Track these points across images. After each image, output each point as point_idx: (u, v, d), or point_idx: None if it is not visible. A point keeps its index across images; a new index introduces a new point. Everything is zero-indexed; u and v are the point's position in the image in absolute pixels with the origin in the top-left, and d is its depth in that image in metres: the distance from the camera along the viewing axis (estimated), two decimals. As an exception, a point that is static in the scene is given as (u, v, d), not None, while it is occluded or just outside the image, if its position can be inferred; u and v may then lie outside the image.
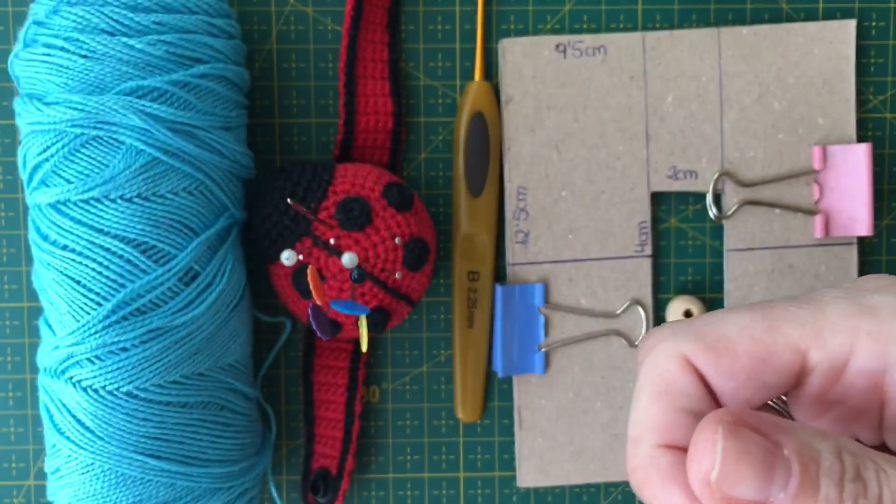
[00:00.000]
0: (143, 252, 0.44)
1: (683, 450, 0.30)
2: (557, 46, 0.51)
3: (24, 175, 0.45)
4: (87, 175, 0.43)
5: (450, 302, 0.53)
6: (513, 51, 0.51)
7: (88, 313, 0.43)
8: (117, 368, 0.43)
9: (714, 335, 0.30)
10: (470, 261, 0.52)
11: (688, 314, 0.52)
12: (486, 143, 0.51)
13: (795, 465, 0.27)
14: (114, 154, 0.43)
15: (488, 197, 0.52)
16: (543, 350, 0.52)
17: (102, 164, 0.43)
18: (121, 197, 0.43)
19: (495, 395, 0.54)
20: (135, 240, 0.43)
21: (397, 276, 0.47)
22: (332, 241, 0.46)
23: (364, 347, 0.47)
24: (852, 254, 0.53)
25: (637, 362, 0.32)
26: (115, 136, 0.43)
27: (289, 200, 0.46)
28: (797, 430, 0.28)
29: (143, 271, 0.43)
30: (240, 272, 0.47)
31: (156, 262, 0.44)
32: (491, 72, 0.52)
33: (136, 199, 0.43)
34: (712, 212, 0.52)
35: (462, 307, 0.52)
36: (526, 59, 0.51)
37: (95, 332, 0.43)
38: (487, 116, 0.51)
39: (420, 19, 0.52)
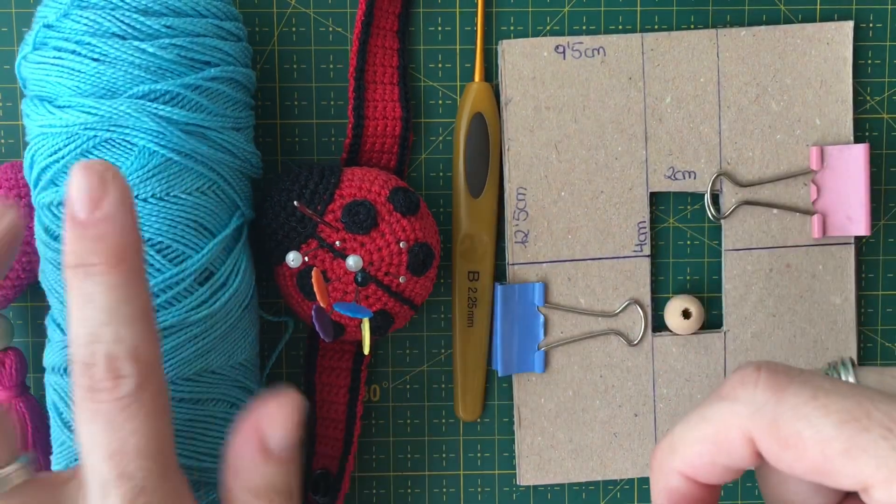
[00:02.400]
0: (159, 251, 0.44)
1: (698, 483, 0.34)
2: (557, 48, 0.52)
3: (30, 176, 0.45)
4: None
5: (450, 301, 0.53)
6: (512, 52, 0.52)
7: None
8: (131, 365, 0.44)
9: (789, 431, 0.31)
10: (470, 261, 0.52)
11: (686, 314, 0.53)
12: (486, 143, 0.51)
13: None
14: (127, 156, 0.43)
15: (488, 197, 0.52)
16: (543, 349, 0.53)
17: (116, 165, 0.43)
18: (136, 197, 0.43)
19: (495, 393, 0.54)
20: (150, 239, 0.44)
21: (401, 280, 0.47)
22: (337, 243, 0.46)
23: (366, 350, 0.47)
24: (850, 254, 0.53)
25: (722, 386, 0.34)
26: (127, 139, 0.43)
27: (295, 203, 0.46)
28: None
29: (158, 270, 0.44)
30: (251, 272, 0.47)
31: (171, 261, 0.44)
32: (491, 73, 0.52)
33: (150, 200, 0.43)
34: (710, 212, 0.53)
35: (462, 307, 0.52)
36: (525, 60, 0.52)
37: None
38: (487, 117, 0.51)
39: (420, 21, 0.52)
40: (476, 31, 0.52)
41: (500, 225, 0.53)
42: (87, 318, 0.36)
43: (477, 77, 0.52)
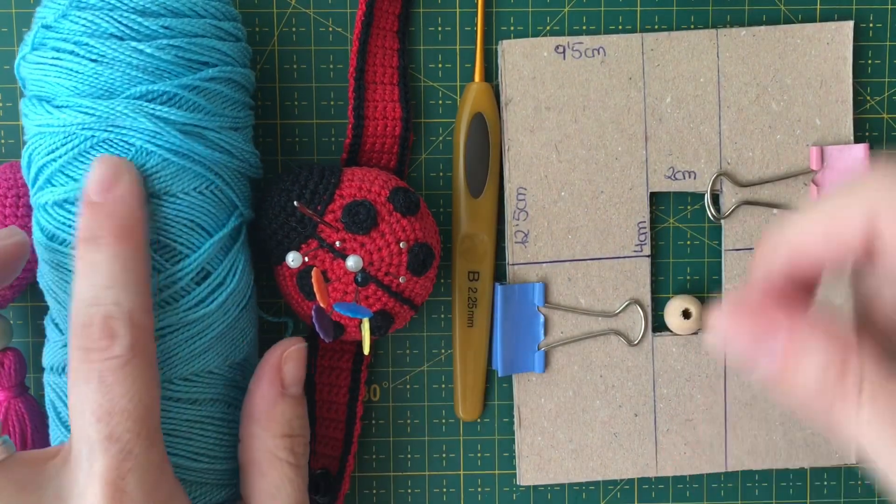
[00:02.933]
0: (156, 251, 0.44)
1: (800, 267, 0.33)
2: (557, 48, 0.52)
3: (28, 175, 0.45)
4: None
5: (450, 302, 0.53)
6: (512, 52, 0.52)
7: None
8: (129, 365, 0.44)
9: None
10: (470, 261, 0.52)
11: (686, 314, 0.53)
12: (486, 143, 0.51)
13: (780, 346, 0.32)
14: (124, 156, 0.43)
15: (488, 197, 0.52)
16: (543, 349, 0.53)
17: None
18: None
19: (495, 393, 0.54)
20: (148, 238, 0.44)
21: (401, 280, 0.47)
22: (337, 243, 0.46)
23: (366, 350, 0.47)
24: (849, 253, 0.53)
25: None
26: (125, 139, 0.43)
27: (295, 203, 0.46)
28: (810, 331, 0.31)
29: (156, 269, 0.44)
30: (249, 272, 0.47)
31: (168, 260, 0.44)
32: (491, 73, 0.52)
33: (149, 199, 0.43)
34: (710, 212, 0.53)
35: (462, 307, 0.52)
36: (525, 60, 0.52)
37: None
38: (487, 117, 0.51)
39: (420, 21, 0.52)
40: (476, 31, 0.52)
41: (500, 225, 0.53)
42: (90, 284, 0.40)
43: (477, 77, 0.52)
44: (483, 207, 0.52)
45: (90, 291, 0.40)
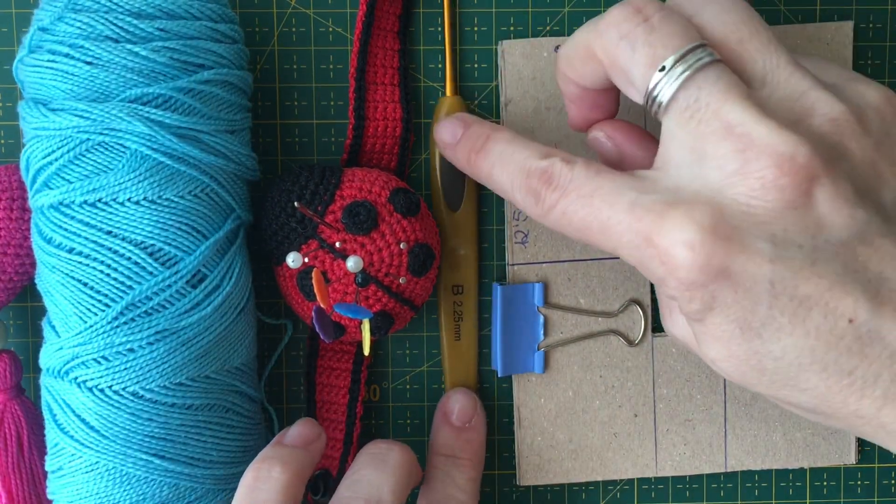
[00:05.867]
0: (151, 255, 0.44)
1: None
2: (557, 48, 0.52)
3: (26, 178, 0.45)
4: (94, 177, 0.43)
5: (450, 302, 0.53)
6: (512, 52, 0.52)
7: (96, 314, 0.44)
8: (124, 369, 0.44)
9: None
10: (454, 274, 0.52)
11: (686, 314, 0.53)
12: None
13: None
14: (119, 158, 0.43)
15: (466, 211, 0.52)
16: (542, 349, 0.53)
17: (108, 168, 0.43)
18: (129, 199, 0.43)
19: (495, 394, 0.54)
20: (142, 242, 0.44)
21: (401, 280, 0.47)
22: (337, 244, 0.46)
23: (366, 351, 0.47)
24: (849, 254, 0.53)
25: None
26: (120, 142, 0.43)
27: (295, 204, 0.46)
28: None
29: (151, 273, 0.44)
30: (246, 275, 0.47)
31: (163, 264, 0.44)
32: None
33: (142, 202, 0.43)
34: (710, 212, 0.53)
35: (448, 321, 0.52)
36: (525, 60, 0.52)
37: (103, 333, 0.43)
38: (460, 131, 0.51)
39: (421, 21, 0.52)
40: (443, 36, 0.52)
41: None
42: None
43: (448, 91, 0.51)
44: (462, 221, 0.52)
45: None
